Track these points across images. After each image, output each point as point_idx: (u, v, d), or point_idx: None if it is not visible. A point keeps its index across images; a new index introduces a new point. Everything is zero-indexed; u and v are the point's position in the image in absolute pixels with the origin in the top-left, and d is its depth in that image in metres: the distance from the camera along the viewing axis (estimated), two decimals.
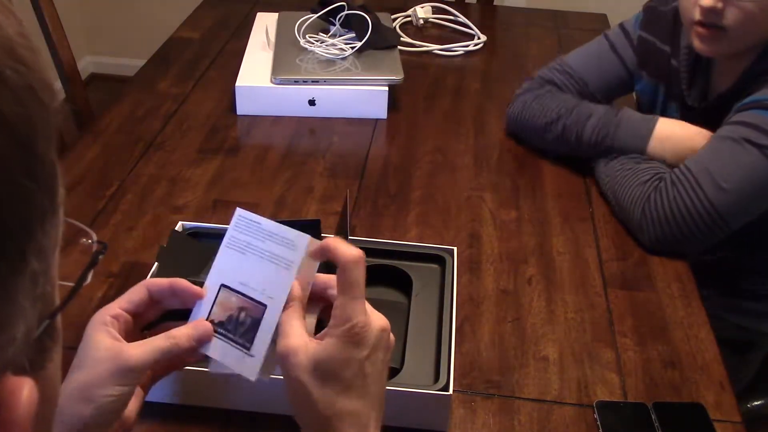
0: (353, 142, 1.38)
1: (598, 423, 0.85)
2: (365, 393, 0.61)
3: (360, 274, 0.61)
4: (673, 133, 1.17)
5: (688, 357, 0.95)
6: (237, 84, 1.42)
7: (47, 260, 0.34)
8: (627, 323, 0.99)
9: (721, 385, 0.91)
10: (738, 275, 1.28)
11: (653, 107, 1.31)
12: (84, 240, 0.44)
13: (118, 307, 0.67)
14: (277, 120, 1.43)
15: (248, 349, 0.68)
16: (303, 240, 0.67)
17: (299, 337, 0.62)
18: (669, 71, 1.28)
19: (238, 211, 0.71)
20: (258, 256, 0.69)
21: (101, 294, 0.99)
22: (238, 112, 1.43)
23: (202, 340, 0.67)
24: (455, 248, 1.00)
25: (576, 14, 1.95)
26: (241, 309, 0.69)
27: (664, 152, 1.16)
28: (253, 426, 0.83)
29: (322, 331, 0.63)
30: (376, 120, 1.44)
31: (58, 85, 1.67)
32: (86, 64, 3.36)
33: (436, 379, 0.83)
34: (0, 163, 0.29)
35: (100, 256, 0.43)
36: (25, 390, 0.32)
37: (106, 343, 0.64)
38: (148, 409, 0.83)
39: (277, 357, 0.63)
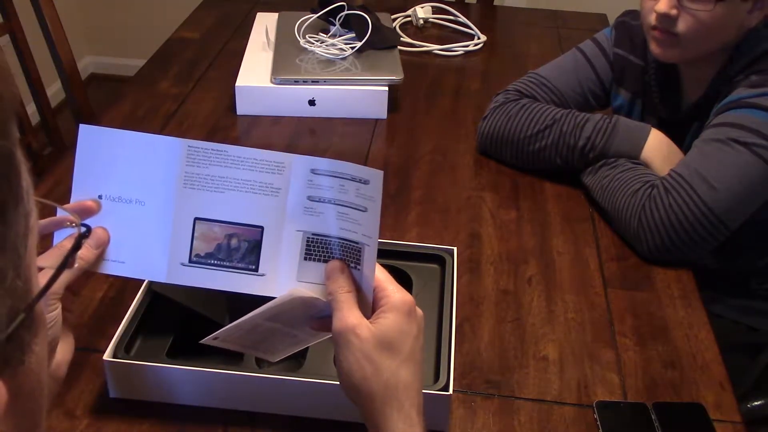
0: (353, 142, 1.38)
1: (598, 423, 0.85)
2: (417, 368, 0.65)
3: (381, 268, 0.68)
4: (667, 140, 1.18)
5: (688, 357, 0.95)
6: (237, 84, 1.42)
7: (15, 252, 0.32)
8: (627, 323, 0.99)
9: (721, 385, 0.91)
10: (748, 276, 1.28)
11: None
12: (68, 224, 0.44)
13: None
14: (277, 120, 1.43)
15: (255, 270, 0.68)
16: (294, 160, 0.67)
17: (355, 314, 0.65)
18: (644, 85, 1.29)
19: (186, 141, 0.69)
20: (232, 188, 0.69)
21: (101, 294, 0.99)
22: (238, 112, 1.43)
23: (86, 209, 0.66)
24: (455, 248, 1.00)
25: (576, 14, 1.95)
26: (229, 236, 0.69)
27: (657, 157, 1.16)
28: (253, 426, 0.83)
29: (375, 314, 0.66)
30: (376, 120, 1.44)
31: (57, 84, 1.67)
32: (86, 64, 3.36)
33: (436, 379, 0.83)
34: None
35: (84, 240, 0.41)
36: None
37: None
38: (148, 409, 0.84)
39: (336, 335, 0.65)
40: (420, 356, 0.66)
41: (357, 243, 0.67)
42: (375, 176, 0.65)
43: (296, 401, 0.82)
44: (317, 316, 0.70)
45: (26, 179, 0.33)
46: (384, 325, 0.64)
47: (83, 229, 0.44)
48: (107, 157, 0.70)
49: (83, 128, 0.70)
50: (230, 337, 0.71)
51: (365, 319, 0.65)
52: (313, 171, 0.68)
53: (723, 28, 1.12)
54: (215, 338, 0.71)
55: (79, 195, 0.69)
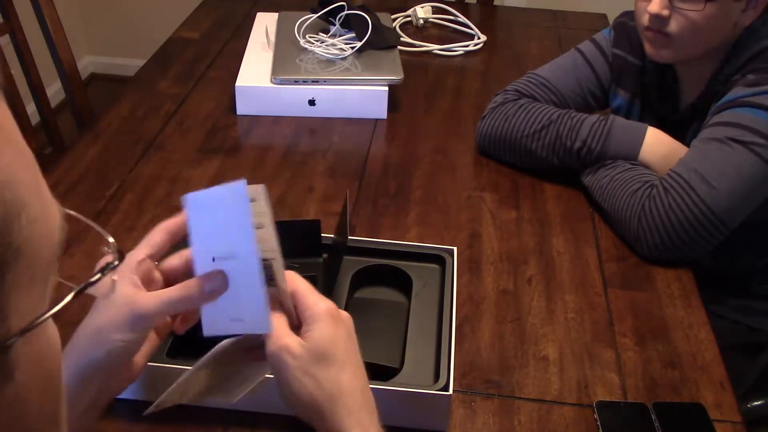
0: (353, 142, 1.38)
1: (598, 423, 0.85)
2: (358, 369, 0.66)
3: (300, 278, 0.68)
4: (664, 138, 1.18)
5: (688, 357, 0.95)
6: (237, 84, 1.42)
7: None
8: (627, 323, 0.99)
9: (721, 385, 0.91)
10: (748, 276, 1.28)
11: None
12: (104, 248, 0.41)
13: (143, 253, 0.68)
14: (277, 120, 1.43)
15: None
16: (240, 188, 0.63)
17: (287, 334, 0.65)
18: (642, 85, 1.30)
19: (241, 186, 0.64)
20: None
21: None
22: (238, 112, 1.43)
23: (215, 292, 0.64)
24: (455, 248, 1.00)
25: (576, 14, 1.95)
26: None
27: (655, 158, 1.16)
28: (253, 426, 0.83)
29: (302, 329, 0.66)
30: (376, 120, 1.44)
31: (57, 84, 1.67)
32: (86, 64, 3.36)
33: (436, 379, 0.83)
34: None
35: (112, 270, 0.38)
36: None
37: (124, 289, 0.65)
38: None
39: (271, 358, 0.65)
40: (356, 358, 0.66)
41: (267, 260, 0.65)
42: (259, 192, 0.63)
43: None
44: (250, 346, 0.70)
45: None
46: (313, 338, 0.64)
47: (117, 262, 0.40)
48: (213, 218, 0.65)
49: (189, 197, 0.65)
50: (172, 397, 0.71)
51: (296, 337, 0.65)
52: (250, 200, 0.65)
53: (716, 28, 1.12)
54: (157, 406, 0.70)
55: (201, 259, 0.66)
